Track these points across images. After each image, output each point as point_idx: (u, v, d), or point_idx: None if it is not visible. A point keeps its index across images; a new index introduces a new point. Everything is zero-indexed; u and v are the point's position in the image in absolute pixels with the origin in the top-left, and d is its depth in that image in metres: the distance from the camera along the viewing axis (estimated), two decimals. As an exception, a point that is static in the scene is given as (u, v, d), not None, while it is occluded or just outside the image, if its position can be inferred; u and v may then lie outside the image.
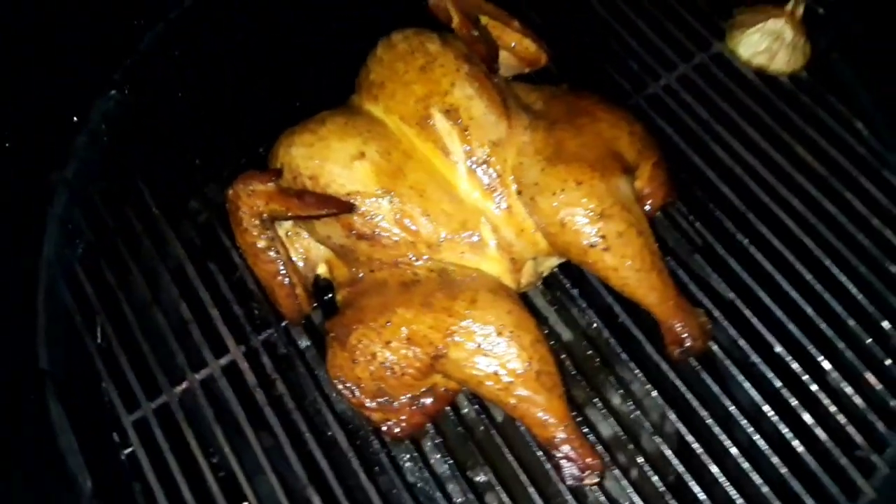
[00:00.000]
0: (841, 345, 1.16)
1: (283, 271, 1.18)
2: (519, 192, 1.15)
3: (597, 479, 1.08)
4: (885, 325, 1.18)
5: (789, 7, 1.34)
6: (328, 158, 1.14)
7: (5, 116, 1.38)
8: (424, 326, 1.09)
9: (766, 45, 1.35)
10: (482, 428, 1.19)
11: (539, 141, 1.17)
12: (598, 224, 1.11)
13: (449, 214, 1.14)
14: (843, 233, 1.25)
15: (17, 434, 1.22)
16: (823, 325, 1.18)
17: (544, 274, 1.25)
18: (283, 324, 1.26)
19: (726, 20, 1.44)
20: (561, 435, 1.08)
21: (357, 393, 1.13)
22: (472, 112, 1.16)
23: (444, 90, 1.17)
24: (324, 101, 1.25)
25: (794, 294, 1.20)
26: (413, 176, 1.15)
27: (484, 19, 1.28)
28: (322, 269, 1.26)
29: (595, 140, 1.17)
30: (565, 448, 1.08)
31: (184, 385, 1.22)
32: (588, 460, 1.08)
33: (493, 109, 1.17)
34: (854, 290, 1.20)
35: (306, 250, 1.24)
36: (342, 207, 1.12)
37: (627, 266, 1.12)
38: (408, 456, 1.21)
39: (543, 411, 1.08)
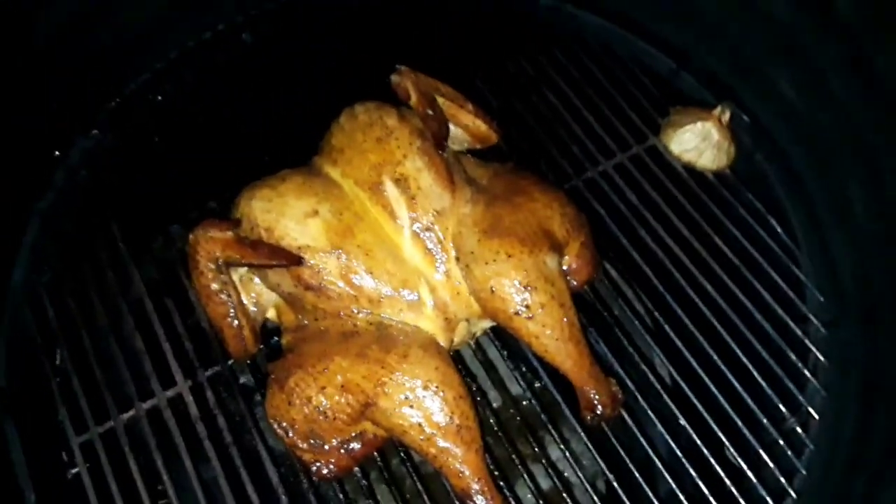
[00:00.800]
0: (739, 423, 1.27)
1: (233, 313, 1.27)
2: (457, 259, 1.26)
3: None
4: (782, 408, 1.30)
5: (717, 112, 1.49)
6: (284, 214, 1.25)
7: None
8: (358, 376, 1.18)
9: (695, 143, 1.49)
10: (406, 477, 1.28)
11: (478, 214, 1.29)
12: (523, 294, 1.22)
13: (391, 273, 1.25)
14: (751, 321, 1.37)
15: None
16: (727, 406, 1.29)
17: (477, 335, 1.35)
18: (230, 362, 1.35)
19: (662, 117, 1.58)
20: (475, 486, 1.17)
21: (290, 433, 1.21)
22: (420, 183, 1.28)
23: (397, 161, 1.29)
24: (290, 157, 1.36)
25: (700, 372, 1.31)
26: (361, 236, 1.25)
27: (440, 100, 1.41)
28: (271, 314, 1.35)
29: (529, 217, 1.28)
30: (479, 499, 1.17)
31: (131, 412, 1.30)
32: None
33: (440, 182, 1.29)
34: (756, 374, 1.31)
35: (258, 295, 1.33)
36: (291, 260, 1.22)
37: (548, 334, 1.23)
38: (333, 496, 1.28)
39: (461, 463, 1.17)
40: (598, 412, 1.26)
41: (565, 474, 1.34)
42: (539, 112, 1.60)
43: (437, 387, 1.18)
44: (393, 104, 1.37)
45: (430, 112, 1.37)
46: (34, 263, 1.46)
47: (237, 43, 1.72)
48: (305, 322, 1.28)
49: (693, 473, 1.24)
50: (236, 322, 1.27)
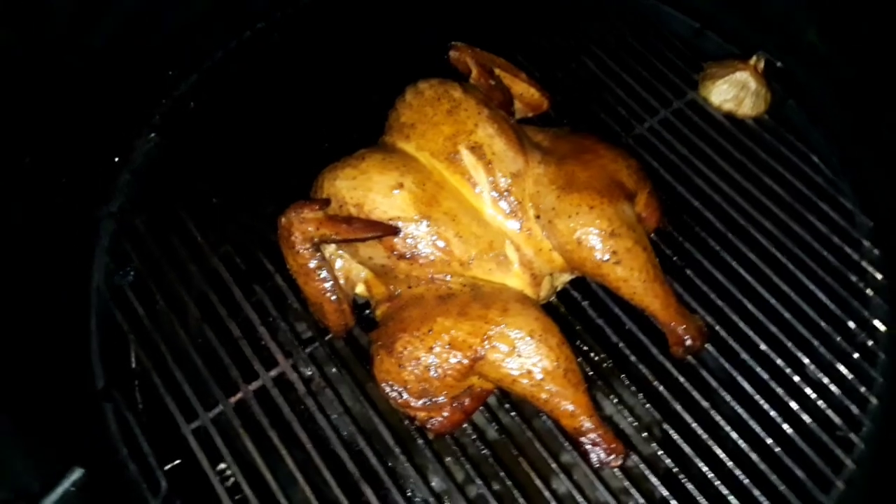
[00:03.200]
0: (816, 342, 1.37)
1: (332, 288, 1.32)
2: (537, 217, 1.33)
3: (620, 462, 1.24)
4: (851, 324, 1.40)
5: (752, 61, 1.59)
6: (371, 189, 1.30)
7: (57, 157, 1.50)
8: (463, 333, 1.24)
9: (734, 93, 1.59)
10: (516, 427, 1.35)
11: (552, 173, 1.35)
12: (609, 242, 1.29)
13: (478, 236, 1.31)
14: (809, 248, 1.47)
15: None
16: (800, 327, 1.38)
17: (559, 288, 1.42)
18: (327, 337, 1.40)
19: (698, 73, 1.67)
20: (587, 424, 1.24)
21: (403, 395, 1.26)
22: (494, 148, 1.34)
23: (469, 130, 1.35)
24: (348, 144, 1.40)
25: (773, 301, 1.40)
26: (446, 203, 1.31)
27: (496, 71, 1.48)
28: (360, 289, 1.40)
29: (600, 172, 1.36)
30: (592, 435, 1.24)
31: (238, 395, 1.34)
32: (612, 445, 1.24)
33: (512, 146, 1.35)
34: (822, 297, 1.41)
35: (346, 272, 1.38)
36: (387, 230, 1.27)
37: (635, 277, 1.30)
38: (451, 450, 1.33)
39: (571, 403, 1.24)
40: (687, 346, 1.34)
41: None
42: (580, 78, 1.69)
43: (540, 335, 1.24)
44: (453, 78, 1.43)
45: (492, 82, 1.44)
46: (114, 264, 1.49)
47: (274, 40, 1.77)
48: (398, 291, 1.33)
49: (780, 392, 1.33)
50: (335, 297, 1.32)
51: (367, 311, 1.42)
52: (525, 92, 1.51)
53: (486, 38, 1.61)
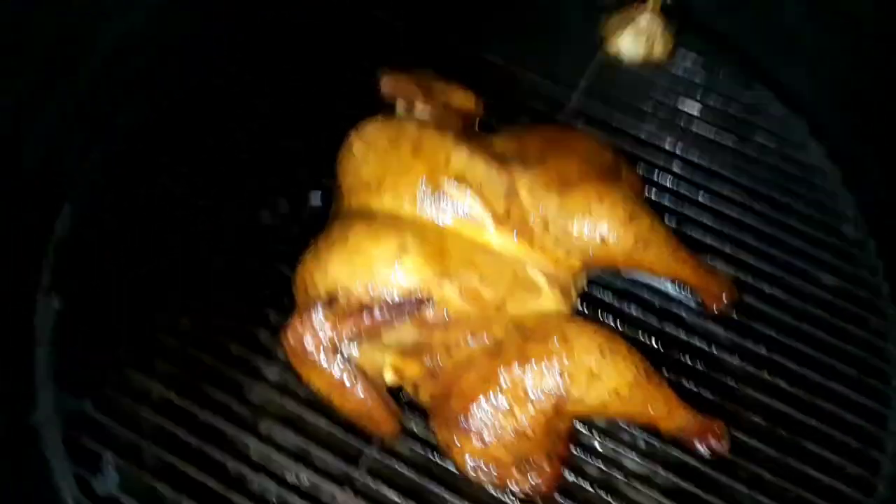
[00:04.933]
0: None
1: (373, 393, 1.14)
2: (545, 228, 1.23)
3: (728, 444, 1.19)
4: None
5: (649, 4, 1.58)
6: (374, 264, 1.12)
7: None
8: (536, 378, 1.13)
9: (643, 40, 1.58)
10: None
11: (540, 177, 1.25)
12: (632, 227, 1.22)
13: (500, 272, 1.18)
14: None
15: None
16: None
17: (580, 291, 1.34)
18: (374, 446, 1.21)
19: (597, 32, 1.64)
20: (686, 417, 1.18)
21: (499, 471, 1.13)
22: (476, 173, 1.21)
23: (444, 163, 1.21)
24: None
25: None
26: (455, 250, 1.17)
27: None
28: (389, 378, 1.22)
29: (585, 160, 1.28)
30: (694, 428, 1.18)
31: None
32: (714, 428, 1.19)
33: (492, 164, 1.23)
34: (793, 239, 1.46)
35: (368, 365, 1.20)
36: (418, 304, 1.12)
37: (665, 252, 1.25)
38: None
39: (663, 404, 1.17)
40: (724, 300, 1.33)
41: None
42: (490, 76, 1.58)
43: (609, 347, 1.15)
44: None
45: (442, 103, 1.31)
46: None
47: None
48: (438, 363, 1.18)
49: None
50: (380, 400, 1.15)
51: (402, 396, 1.26)
52: (462, 102, 1.39)
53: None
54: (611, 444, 1.24)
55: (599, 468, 1.22)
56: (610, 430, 1.25)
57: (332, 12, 1.65)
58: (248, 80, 1.55)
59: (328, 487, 1.18)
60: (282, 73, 1.56)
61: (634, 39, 1.58)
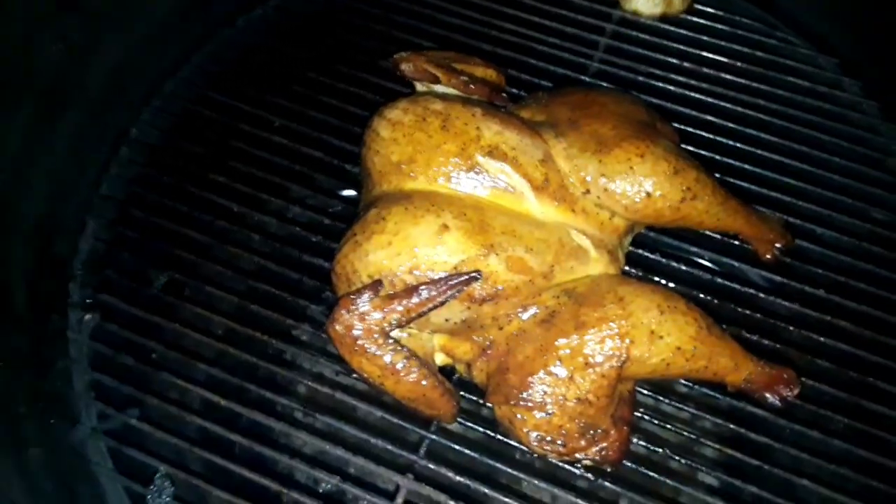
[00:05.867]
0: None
1: (428, 375, 1.10)
2: (586, 192, 1.19)
3: (799, 388, 1.15)
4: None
5: (663, -44, 1.54)
6: (415, 245, 1.09)
7: None
8: (594, 343, 1.09)
9: (657, -6, 1.54)
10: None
11: (576, 141, 1.21)
12: (678, 180, 1.18)
13: (545, 240, 1.14)
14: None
15: None
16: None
17: (626, 252, 1.30)
18: (433, 428, 1.18)
19: (609, -8, 1.60)
20: (753, 369, 1.14)
21: (565, 442, 1.09)
22: (511, 143, 1.18)
23: (475, 136, 1.17)
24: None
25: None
26: (496, 223, 1.13)
27: (457, 66, 1.30)
28: (440, 359, 1.19)
29: (619, 119, 1.23)
30: (762, 379, 1.14)
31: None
32: (784, 376, 1.15)
33: (524, 133, 1.20)
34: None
35: (418, 348, 1.16)
36: (468, 280, 1.08)
37: (714, 203, 1.21)
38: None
39: (729, 358, 1.13)
40: (778, 247, 1.28)
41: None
42: (509, 44, 1.55)
43: (667, 305, 1.11)
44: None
45: (465, 78, 1.27)
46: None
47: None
48: (490, 339, 1.14)
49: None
50: (436, 382, 1.11)
51: (455, 377, 1.22)
52: (485, 75, 1.35)
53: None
54: (675, 405, 1.20)
55: (665, 428, 1.18)
56: (672, 389, 1.22)
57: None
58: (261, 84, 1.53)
59: (390, 476, 1.15)
60: (295, 75, 1.53)
61: (651, -5, 1.54)
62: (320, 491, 1.24)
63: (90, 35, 1.34)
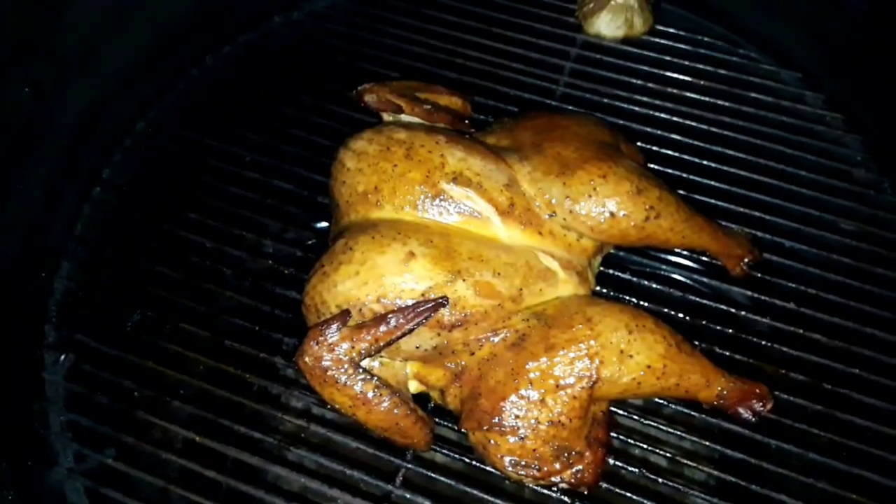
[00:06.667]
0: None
1: (401, 401, 1.10)
2: (552, 214, 1.20)
3: (771, 404, 1.15)
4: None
5: (620, -20, 1.56)
6: (383, 274, 1.10)
7: None
8: (563, 366, 1.09)
9: (622, 18, 1.56)
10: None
11: (540, 164, 1.22)
12: (641, 199, 1.18)
13: (512, 264, 1.15)
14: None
15: None
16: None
17: (596, 272, 1.30)
18: (408, 458, 1.18)
19: (573, 15, 1.63)
20: (725, 385, 1.14)
21: (540, 466, 1.09)
22: (474, 169, 1.19)
23: (439, 163, 1.18)
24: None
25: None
26: (463, 249, 1.14)
27: (420, 94, 1.32)
28: (414, 386, 1.19)
29: (581, 141, 1.25)
30: (734, 395, 1.14)
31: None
32: (756, 391, 1.15)
33: (488, 159, 1.21)
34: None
35: (391, 377, 1.16)
36: (435, 306, 1.08)
37: (679, 220, 1.21)
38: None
39: (700, 374, 1.13)
40: (746, 262, 1.29)
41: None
42: (473, 71, 1.57)
43: (636, 324, 1.12)
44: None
45: (428, 106, 1.28)
46: None
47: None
48: (462, 364, 1.15)
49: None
50: (409, 409, 1.11)
51: (430, 405, 1.22)
52: (449, 103, 1.36)
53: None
54: (651, 423, 1.20)
55: (643, 448, 1.18)
56: (648, 408, 1.22)
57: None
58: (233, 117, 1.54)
59: (370, 507, 1.15)
60: (265, 109, 1.55)
61: (613, 17, 1.56)
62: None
63: (58, 78, 1.35)
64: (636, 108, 1.50)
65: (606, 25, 1.57)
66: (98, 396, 1.24)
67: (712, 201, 1.37)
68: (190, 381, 1.24)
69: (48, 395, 1.26)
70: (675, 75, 1.55)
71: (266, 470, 1.19)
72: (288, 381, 1.26)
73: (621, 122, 1.47)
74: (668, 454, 1.18)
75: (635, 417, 1.21)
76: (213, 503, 1.14)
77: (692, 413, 1.20)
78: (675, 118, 1.49)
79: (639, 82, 1.53)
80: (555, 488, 1.12)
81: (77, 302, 1.35)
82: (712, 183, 1.40)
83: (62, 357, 1.29)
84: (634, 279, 1.31)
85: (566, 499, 1.13)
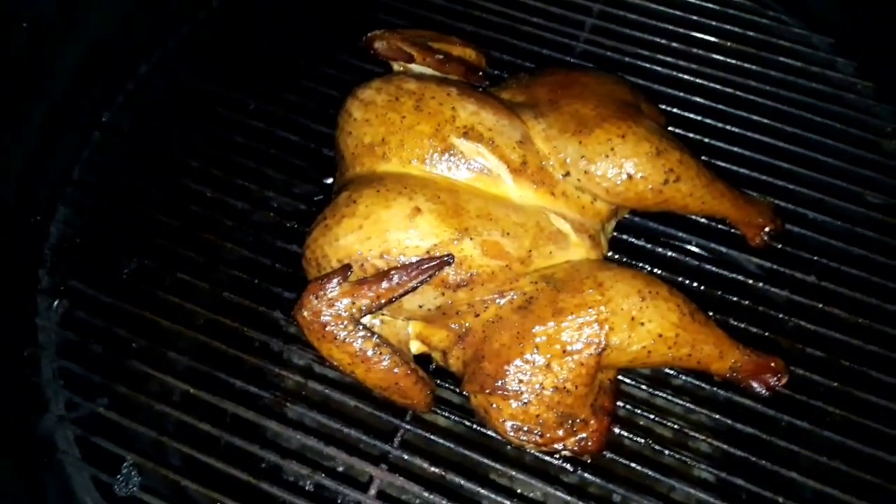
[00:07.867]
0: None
1: (401, 360, 1.06)
2: (566, 175, 1.15)
3: (786, 379, 1.11)
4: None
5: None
6: (387, 229, 1.05)
7: None
8: (572, 331, 1.05)
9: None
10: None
11: (556, 122, 1.17)
12: (660, 161, 1.13)
13: (522, 224, 1.10)
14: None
15: None
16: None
17: (609, 237, 1.26)
18: (408, 417, 1.15)
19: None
20: (739, 357, 1.09)
21: (542, 432, 1.05)
22: (487, 124, 1.13)
23: (450, 116, 1.13)
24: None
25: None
26: (471, 206, 1.09)
27: (433, 44, 1.26)
28: (415, 346, 1.15)
29: (600, 99, 1.19)
30: (748, 367, 1.10)
31: None
32: (771, 365, 1.10)
33: (502, 114, 1.16)
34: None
35: (392, 335, 1.12)
36: (440, 264, 1.04)
37: (699, 185, 1.16)
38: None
39: (713, 345, 1.09)
40: (767, 231, 1.24)
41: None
42: (492, 24, 1.51)
43: (648, 290, 1.07)
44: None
45: (441, 56, 1.23)
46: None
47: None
48: (466, 326, 1.11)
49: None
50: (409, 368, 1.07)
51: (431, 366, 1.18)
52: (463, 55, 1.30)
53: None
54: (659, 393, 1.16)
55: (649, 419, 1.15)
56: (657, 378, 1.18)
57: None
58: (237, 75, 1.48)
59: (364, 467, 1.12)
60: (274, 57, 1.50)
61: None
62: (292, 481, 1.21)
63: (59, 15, 1.31)
64: (659, 69, 1.44)
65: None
66: (91, 344, 1.21)
67: (734, 167, 1.32)
68: (187, 333, 1.21)
69: (40, 340, 1.23)
70: (702, 36, 1.48)
71: (264, 426, 1.16)
72: (289, 337, 1.23)
73: (643, 82, 1.41)
74: (675, 425, 1.14)
75: (643, 387, 1.18)
76: (209, 457, 1.11)
77: (702, 385, 1.16)
78: (699, 80, 1.43)
79: (663, 41, 1.47)
80: (557, 455, 1.09)
81: (73, 248, 1.31)
82: (735, 149, 1.34)
83: (55, 303, 1.26)
84: (648, 245, 1.26)
85: (568, 466, 1.10)
